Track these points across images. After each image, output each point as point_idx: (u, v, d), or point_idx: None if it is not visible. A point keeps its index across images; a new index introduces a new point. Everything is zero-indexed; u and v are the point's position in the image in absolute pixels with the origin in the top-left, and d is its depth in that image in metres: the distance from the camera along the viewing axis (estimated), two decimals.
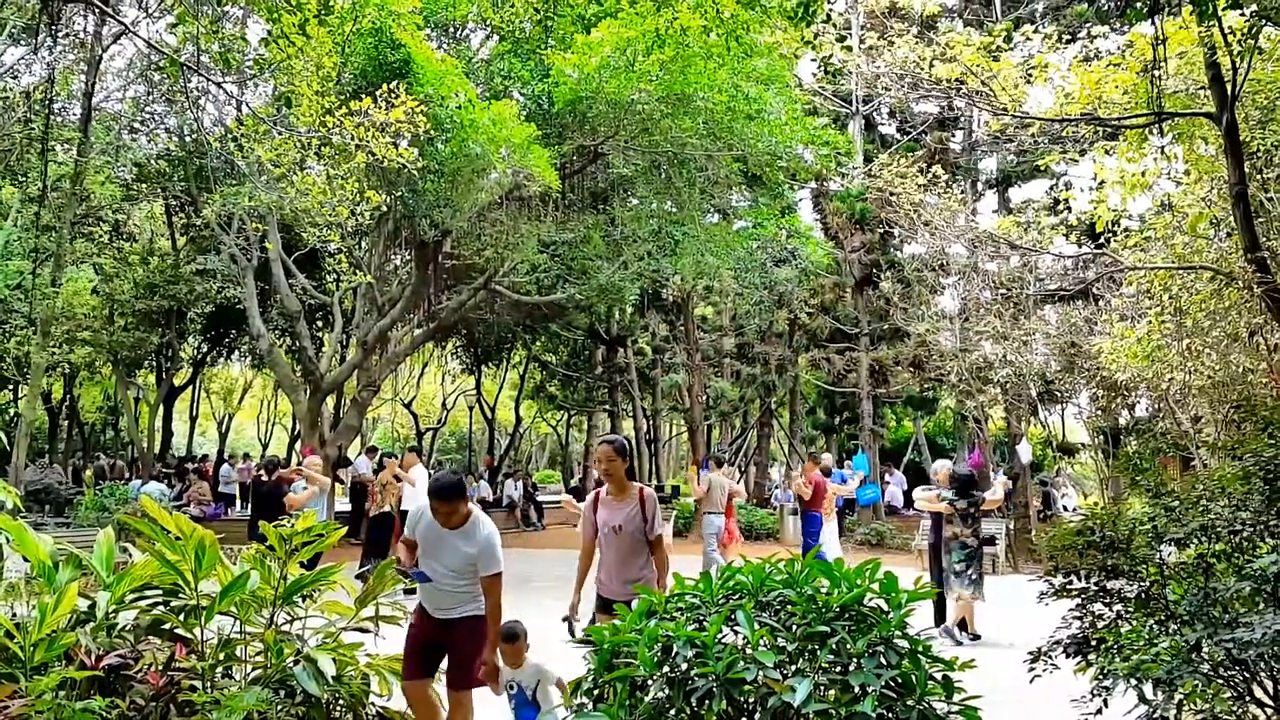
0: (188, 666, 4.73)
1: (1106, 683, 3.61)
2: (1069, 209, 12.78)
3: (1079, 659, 3.94)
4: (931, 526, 10.28)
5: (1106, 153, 10.76)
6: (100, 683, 4.50)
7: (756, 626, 3.19)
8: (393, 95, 9.75)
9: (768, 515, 20.46)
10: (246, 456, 28.41)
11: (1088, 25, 19.17)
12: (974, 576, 9.46)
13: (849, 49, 16.87)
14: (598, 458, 5.28)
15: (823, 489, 12.55)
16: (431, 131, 11.04)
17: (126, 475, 23.54)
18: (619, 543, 5.19)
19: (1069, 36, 16.73)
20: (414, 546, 4.97)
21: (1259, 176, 8.80)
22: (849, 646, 3.06)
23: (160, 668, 4.74)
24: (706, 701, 3.04)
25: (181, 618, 4.90)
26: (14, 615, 4.66)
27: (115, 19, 12.35)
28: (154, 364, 26.01)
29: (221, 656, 4.85)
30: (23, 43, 16.84)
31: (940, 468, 10.64)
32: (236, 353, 28.35)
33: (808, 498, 12.33)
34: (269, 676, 4.70)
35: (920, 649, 3.14)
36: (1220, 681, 3.55)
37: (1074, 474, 26.70)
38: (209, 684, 4.72)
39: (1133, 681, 3.52)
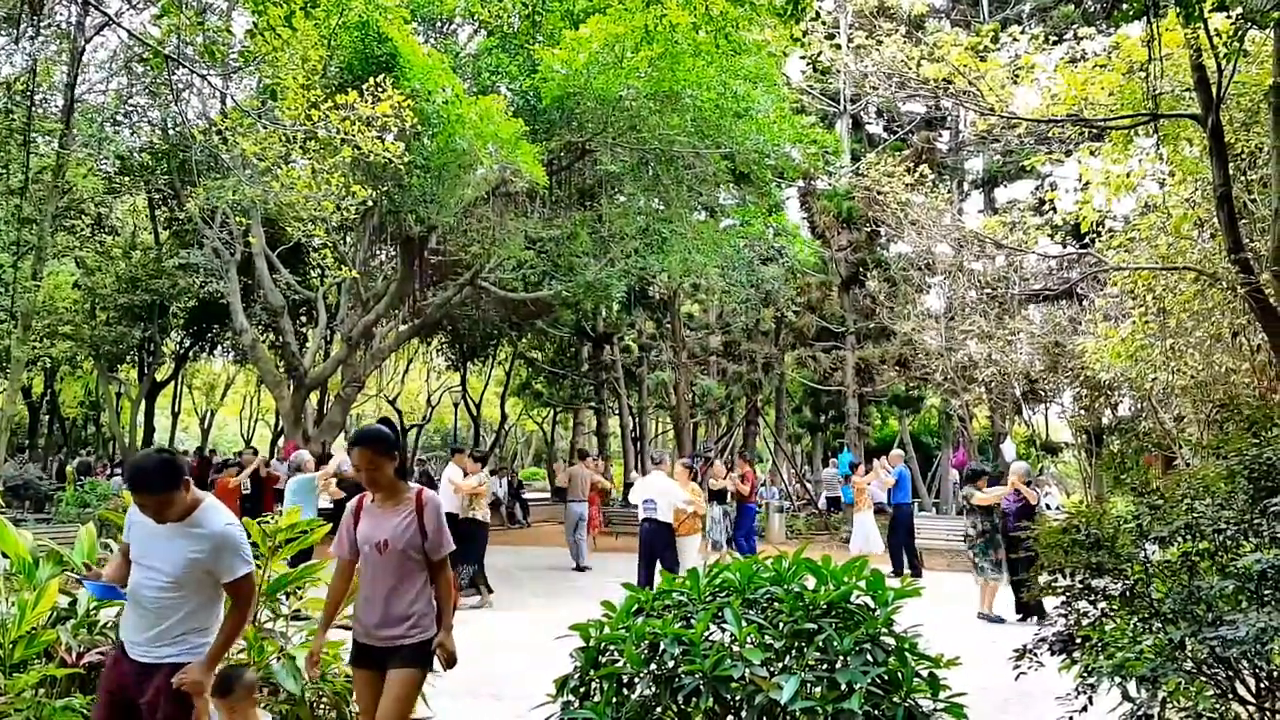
0: None
1: (1091, 680, 3.63)
2: (1054, 209, 12.86)
3: (1064, 656, 3.95)
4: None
5: (1092, 153, 10.82)
6: (81, 680, 4.46)
7: (744, 624, 3.18)
8: (379, 89, 9.71)
9: None
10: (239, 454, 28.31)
11: (1074, 27, 19.25)
12: (980, 564, 10.37)
13: (838, 47, 16.91)
14: (355, 463, 3.91)
15: (751, 481, 14.16)
16: (418, 126, 10.98)
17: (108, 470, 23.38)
18: (384, 565, 3.85)
19: (1055, 38, 16.84)
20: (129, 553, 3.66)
21: (1243, 178, 8.87)
22: (836, 644, 3.07)
23: None
24: (694, 699, 3.04)
25: None
26: None
27: (99, 9, 12.26)
28: (136, 359, 25.81)
29: None
30: (4, 33, 16.67)
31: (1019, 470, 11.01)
32: (219, 348, 28.16)
33: (746, 492, 13.86)
34: None
35: (907, 646, 3.15)
36: (1204, 679, 3.57)
37: (1057, 473, 26.85)
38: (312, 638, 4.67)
39: (1117, 679, 3.53)
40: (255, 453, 14.80)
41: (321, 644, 4.04)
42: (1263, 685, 3.66)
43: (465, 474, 10.89)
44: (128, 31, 9.38)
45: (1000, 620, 10.03)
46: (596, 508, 15.30)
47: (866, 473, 15.24)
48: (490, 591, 10.86)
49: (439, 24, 15.74)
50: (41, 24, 16.24)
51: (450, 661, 3.91)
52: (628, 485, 29.09)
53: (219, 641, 3.48)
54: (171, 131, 17.47)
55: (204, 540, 3.41)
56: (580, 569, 14.18)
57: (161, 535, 3.44)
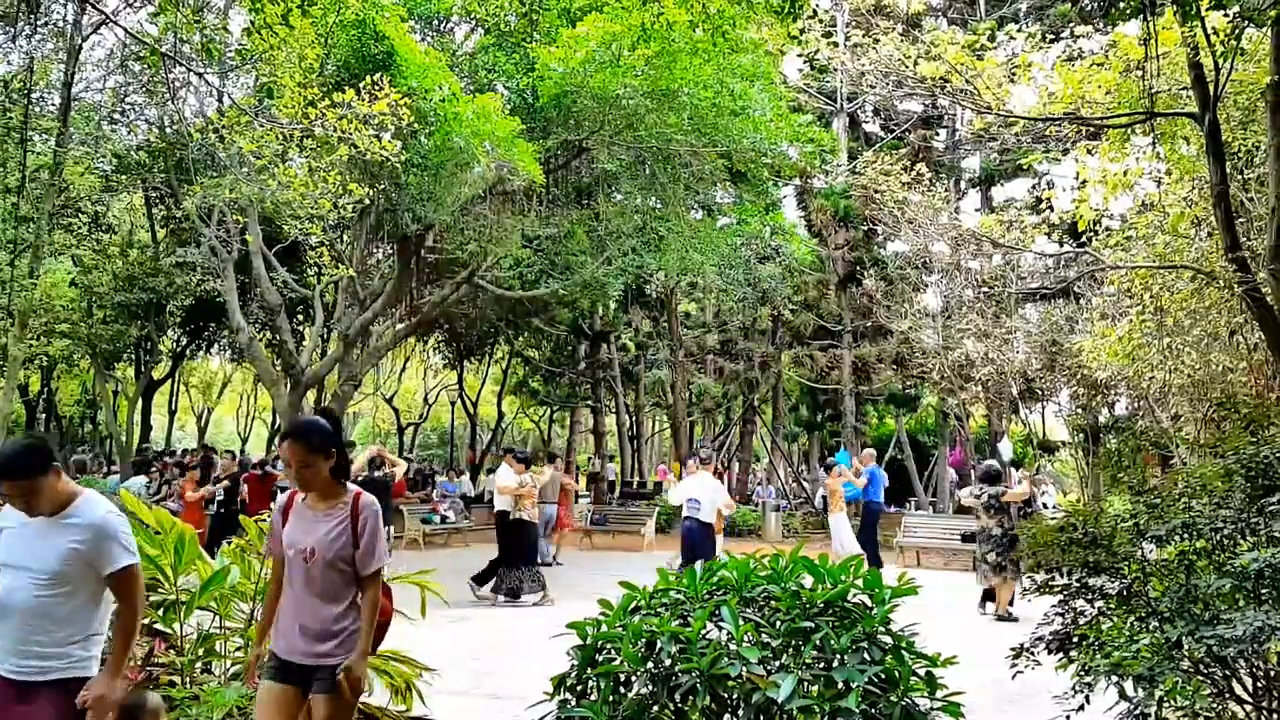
0: (166, 662, 4.70)
1: (1088, 679, 3.62)
2: (1051, 208, 12.86)
3: (1061, 655, 3.95)
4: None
5: (1089, 152, 10.82)
6: None
7: (741, 622, 3.18)
8: (376, 88, 9.68)
9: (750, 512, 20.50)
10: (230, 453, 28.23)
11: (1070, 25, 19.26)
12: (1002, 563, 10.23)
13: (834, 45, 16.91)
14: (283, 458, 3.54)
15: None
16: (415, 125, 10.97)
17: (106, 469, 23.34)
18: (309, 575, 3.48)
19: (1052, 36, 16.84)
20: None
21: (1240, 177, 8.87)
22: (833, 642, 3.06)
23: (139, 663, 4.70)
24: (690, 697, 3.04)
25: (160, 612, 4.86)
26: None
27: (95, 8, 12.23)
28: (133, 357, 25.76)
29: (201, 652, 4.82)
30: (1, 31, 16.62)
31: (985, 466, 11.56)
32: (216, 346, 28.13)
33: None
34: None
35: (904, 645, 3.15)
36: (1201, 678, 3.57)
37: (1054, 471, 26.90)
38: (188, 679, 4.68)
39: (1114, 678, 3.53)
40: (233, 457, 14.67)
41: (259, 654, 3.64)
42: (1260, 684, 3.67)
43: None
44: (125, 29, 9.37)
45: (1016, 619, 9.97)
46: (565, 509, 15.76)
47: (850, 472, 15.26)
48: (529, 592, 10.99)
49: (436, 22, 15.71)
50: (38, 22, 16.21)
51: (354, 690, 3.43)
52: (625, 484, 29.16)
53: (117, 649, 3.26)
54: (168, 130, 17.43)
55: (84, 530, 3.22)
56: (546, 564, 14.49)
57: (35, 534, 3.24)
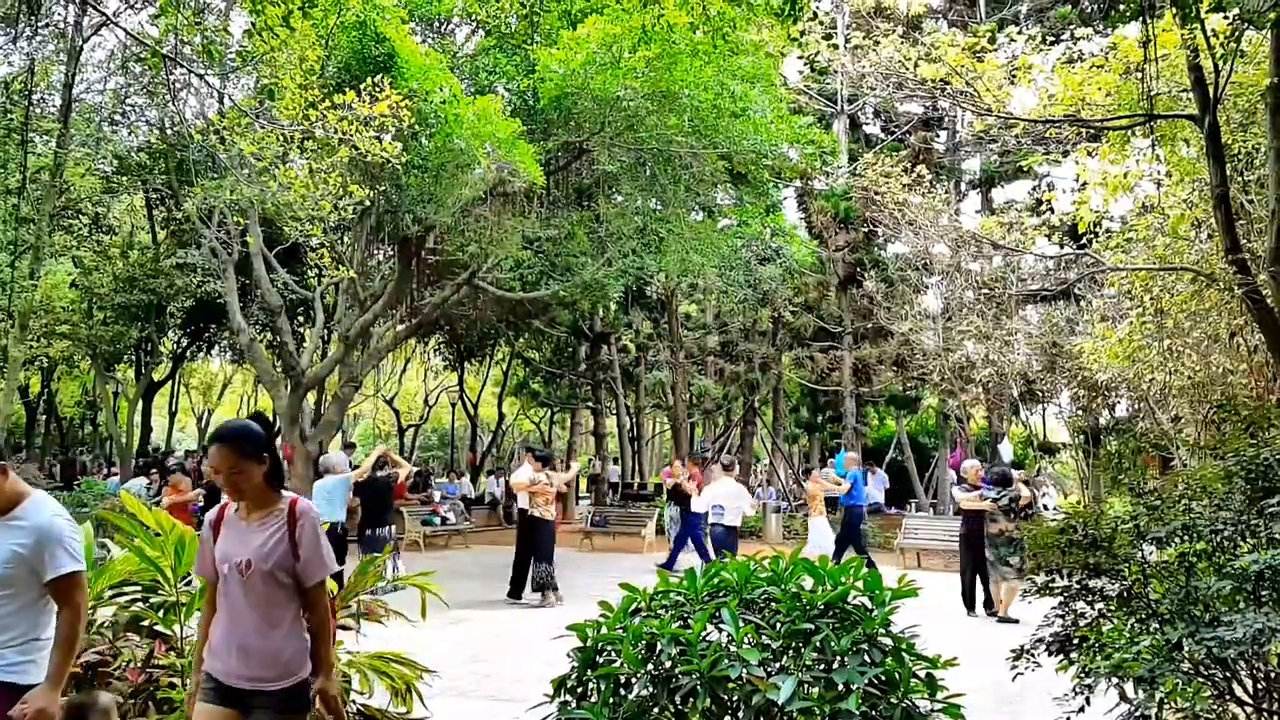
0: (167, 664, 4.69)
1: (1088, 681, 3.63)
2: (1051, 210, 12.88)
3: (1061, 657, 3.96)
4: (964, 521, 11.15)
5: (1089, 154, 10.82)
6: (78, 679, 4.45)
7: (741, 624, 3.18)
8: (377, 89, 9.69)
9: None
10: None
11: (1071, 27, 19.27)
12: (1020, 566, 10.16)
13: (835, 47, 16.93)
14: (213, 464, 3.23)
15: (699, 480, 14.07)
16: (415, 126, 10.98)
17: (106, 470, 23.37)
18: (247, 591, 3.21)
19: (1053, 38, 16.84)
20: None
21: (1240, 179, 8.87)
22: (833, 644, 3.07)
23: (139, 665, 4.70)
24: (691, 699, 3.04)
25: (161, 614, 4.86)
26: None
27: (96, 9, 12.25)
28: (133, 358, 25.76)
29: None
30: (2, 32, 16.64)
31: (970, 467, 11.68)
32: (216, 348, 28.12)
33: (692, 492, 13.80)
34: None
35: (904, 647, 3.15)
36: (1201, 680, 3.57)
37: (1055, 473, 26.88)
38: (188, 680, 4.68)
39: (1114, 680, 3.53)
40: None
41: (196, 686, 3.32)
42: (1260, 686, 3.67)
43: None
44: (125, 31, 9.38)
45: (1016, 621, 9.94)
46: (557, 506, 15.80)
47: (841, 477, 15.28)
48: (556, 591, 11.05)
49: (436, 24, 15.72)
50: (39, 24, 16.23)
51: (334, 710, 3.26)
52: (625, 485, 29.16)
53: (57, 659, 3.11)
54: (169, 131, 17.44)
55: (28, 533, 3.10)
56: None
57: None
